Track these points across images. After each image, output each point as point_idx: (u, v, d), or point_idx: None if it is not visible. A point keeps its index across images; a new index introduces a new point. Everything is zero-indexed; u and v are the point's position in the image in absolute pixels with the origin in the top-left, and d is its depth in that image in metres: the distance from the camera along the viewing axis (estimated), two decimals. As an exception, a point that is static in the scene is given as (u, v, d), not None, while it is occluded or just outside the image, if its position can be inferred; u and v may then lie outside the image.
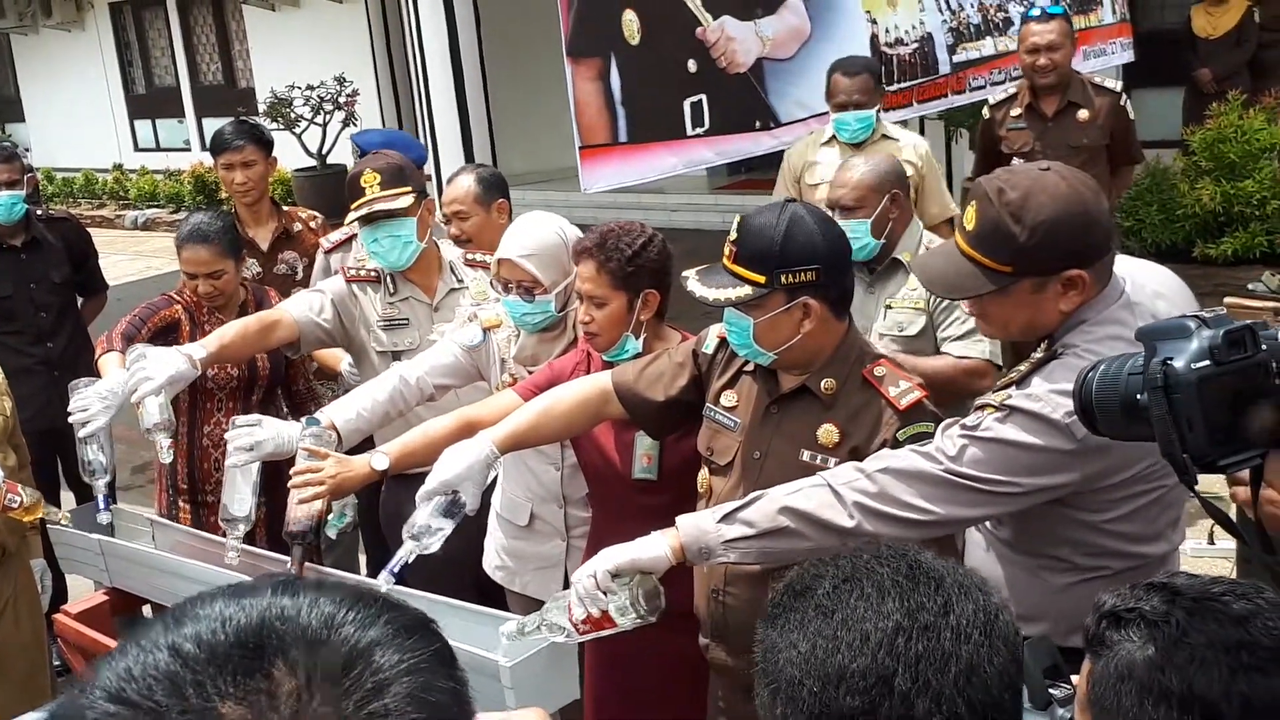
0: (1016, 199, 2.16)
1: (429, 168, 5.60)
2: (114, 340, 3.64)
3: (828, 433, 2.45)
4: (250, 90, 14.62)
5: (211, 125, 15.38)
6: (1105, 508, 2.23)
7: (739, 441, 2.56)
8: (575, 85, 5.13)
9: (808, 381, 2.49)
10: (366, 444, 3.29)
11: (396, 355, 3.60)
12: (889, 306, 3.56)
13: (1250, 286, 7.05)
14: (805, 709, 1.26)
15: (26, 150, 16.22)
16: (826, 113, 4.97)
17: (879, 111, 4.92)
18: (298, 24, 14.17)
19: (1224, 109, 8.28)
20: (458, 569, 3.41)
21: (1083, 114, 5.34)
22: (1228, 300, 4.72)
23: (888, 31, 6.36)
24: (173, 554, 3.24)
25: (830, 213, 3.54)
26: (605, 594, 2.25)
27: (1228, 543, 4.24)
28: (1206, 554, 4.49)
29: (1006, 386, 2.25)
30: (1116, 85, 5.57)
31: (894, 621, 1.23)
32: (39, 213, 5.04)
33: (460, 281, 3.75)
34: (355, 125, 11.33)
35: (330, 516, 3.04)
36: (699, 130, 5.55)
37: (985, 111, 5.70)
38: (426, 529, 2.60)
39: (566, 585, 2.52)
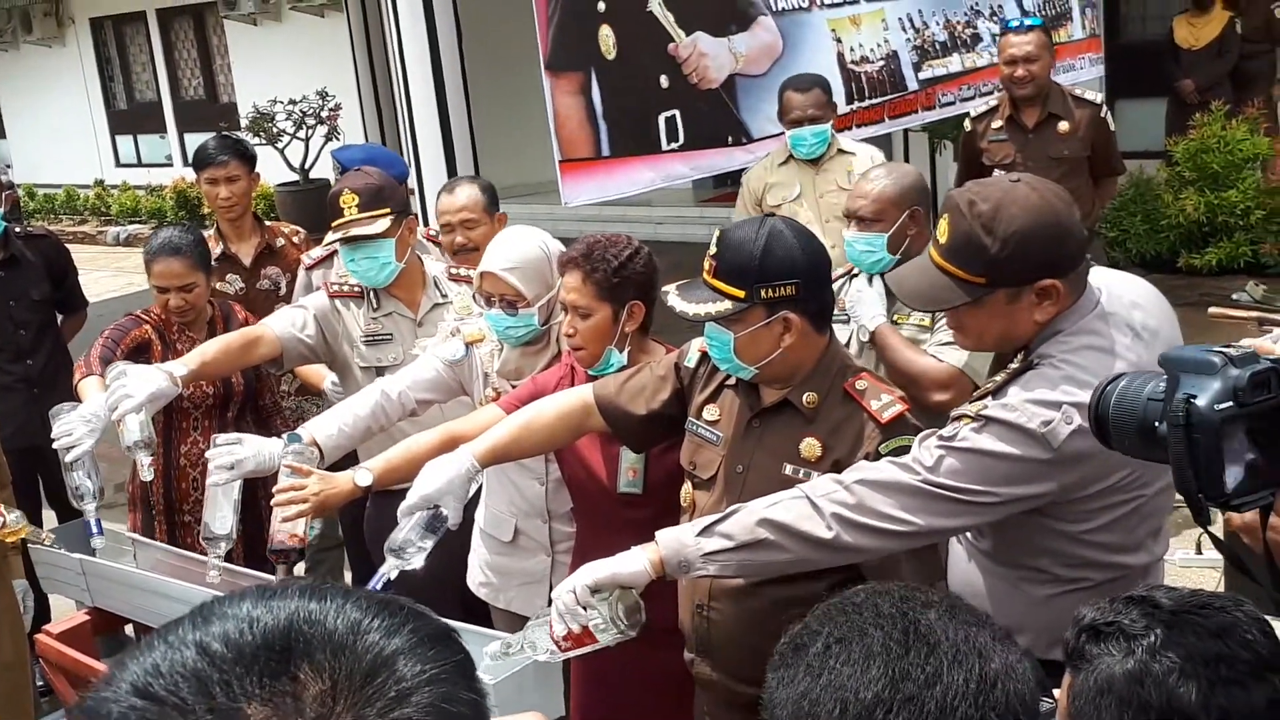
0: (988, 211, 2.17)
1: (411, 182, 5.58)
2: (92, 364, 3.63)
3: (810, 446, 2.44)
4: (232, 105, 14.60)
5: (193, 140, 15.35)
6: (1084, 518, 2.23)
7: (721, 456, 2.56)
8: (554, 99, 5.14)
9: (789, 395, 2.49)
10: (349, 459, 3.28)
11: (380, 370, 3.58)
12: (896, 322, 3.52)
13: (1234, 296, 7.07)
14: None
15: (7, 166, 16.21)
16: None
17: (833, 126, 4.95)
18: (279, 38, 14.15)
19: (1207, 119, 8.32)
20: (442, 586, 3.38)
21: (1063, 126, 5.35)
22: (1212, 310, 4.72)
23: (853, 50, 6.43)
24: (154, 573, 3.21)
25: (847, 223, 3.53)
26: (585, 609, 2.23)
27: (1215, 554, 4.24)
28: (1194, 564, 4.50)
29: (983, 397, 2.25)
30: (1097, 97, 5.59)
31: (874, 692, 1.19)
32: (18, 230, 5.01)
33: (444, 296, 3.73)
34: (338, 139, 11.31)
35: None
36: (673, 145, 5.58)
37: (967, 124, 5.71)
38: (408, 544, 2.58)
39: (551, 602, 2.51)
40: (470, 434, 2.78)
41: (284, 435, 3.04)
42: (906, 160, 9.36)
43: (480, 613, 3.34)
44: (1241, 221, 8.06)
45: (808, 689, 1.22)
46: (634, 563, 2.25)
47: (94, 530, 3.28)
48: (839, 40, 6.34)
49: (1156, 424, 1.55)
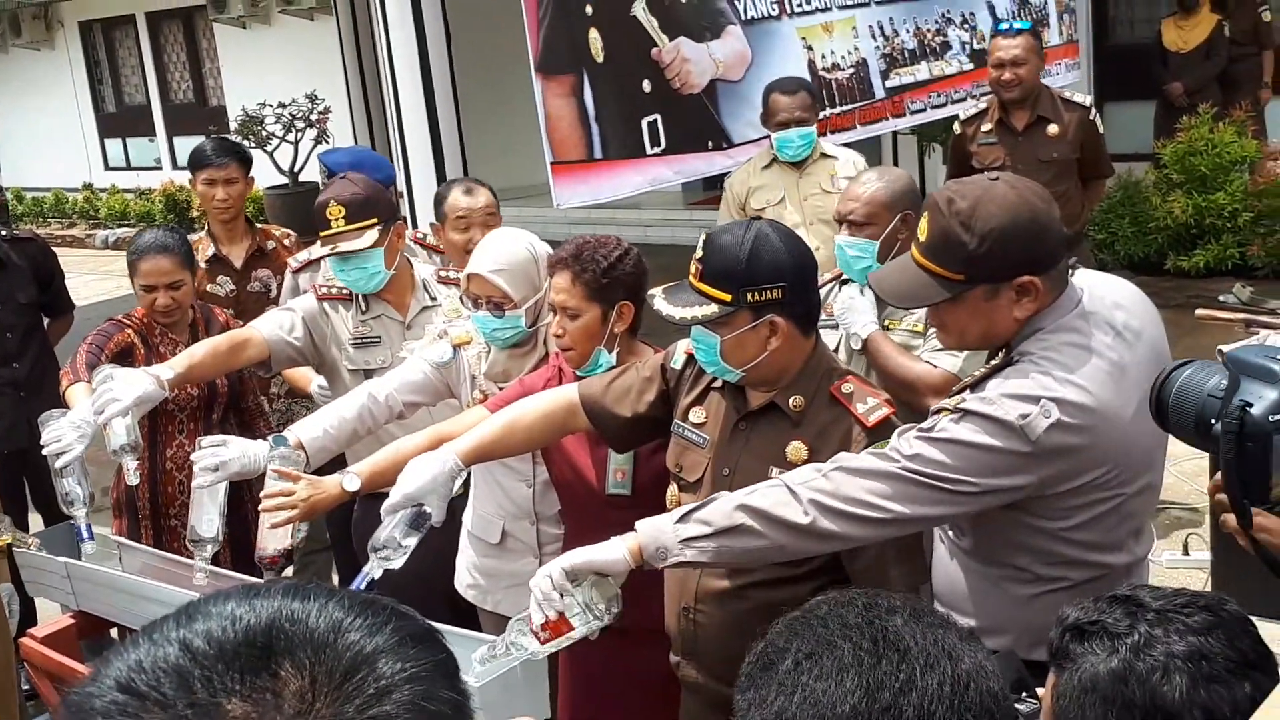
0: (966, 208, 2.20)
1: (400, 184, 5.58)
2: (78, 371, 3.62)
3: (796, 450, 2.44)
4: (221, 108, 14.59)
5: (182, 144, 15.37)
6: (1063, 515, 2.23)
7: (708, 458, 2.55)
8: (546, 101, 5.14)
9: (776, 399, 2.49)
10: (337, 462, 3.27)
11: (368, 373, 3.57)
12: (887, 328, 3.51)
13: (1221, 298, 7.09)
14: None
15: (-4, 170, 16.15)
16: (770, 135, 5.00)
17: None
18: (269, 41, 14.14)
19: (1195, 122, 8.34)
20: (430, 588, 3.38)
21: (1052, 128, 5.36)
22: (1199, 312, 4.73)
23: (824, 57, 6.47)
24: (140, 577, 3.20)
25: (838, 227, 3.51)
26: (562, 596, 2.22)
27: (1202, 554, 4.25)
28: (1182, 565, 4.51)
29: (961, 391, 2.27)
30: (1086, 100, 5.59)
31: (851, 704, 1.17)
32: (4, 233, 4.99)
33: (434, 299, 3.73)
34: (328, 142, 11.29)
35: None
36: (656, 150, 5.60)
37: (956, 127, 5.71)
38: (391, 543, 2.57)
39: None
40: (457, 436, 2.78)
41: (270, 437, 3.03)
42: (896, 163, 9.40)
43: (468, 615, 3.33)
44: (1229, 224, 8.09)
45: (783, 708, 1.20)
46: (611, 550, 2.25)
47: (84, 536, 3.27)
48: (810, 48, 6.39)
49: (1213, 421, 1.57)
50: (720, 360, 2.45)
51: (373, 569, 2.60)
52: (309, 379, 4.02)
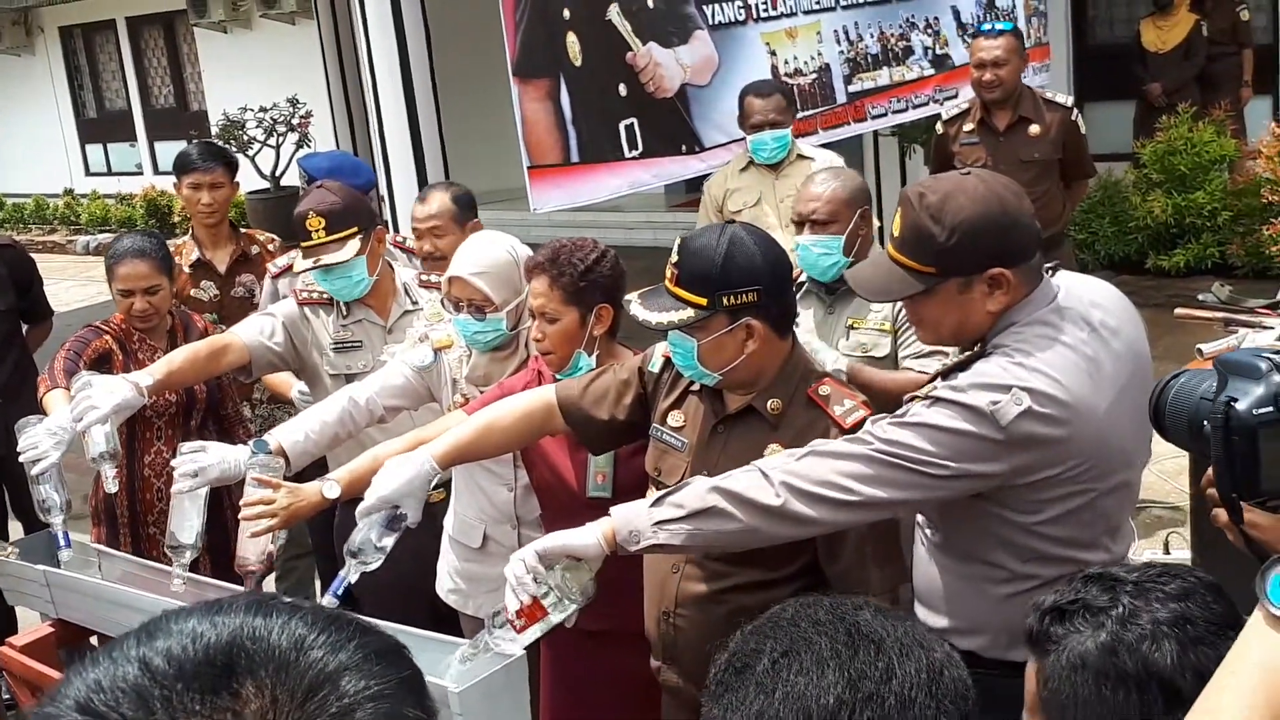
0: (936, 201, 2.23)
1: (382, 188, 5.57)
2: (56, 377, 3.59)
3: (774, 453, 2.43)
4: (203, 113, 14.54)
5: (164, 148, 15.32)
6: (1035, 508, 2.23)
7: (686, 462, 2.55)
8: (523, 105, 5.15)
9: (754, 402, 2.49)
10: (318, 467, 3.26)
11: (349, 378, 3.56)
12: (852, 327, 3.52)
13: (1201, 297, 7.11)
14: None
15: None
16: (744, 138, 5.01)
17: (804, 132, 4.97)
18: (250, 46, 14.09)
19: (1174, 122, 8.37)
20: (412, 593, 3.37)
21: (1034, 129, 5.38)
22: (1178, 311, 4.74)
23: (787, 63, 6.51)
24: (119, 584, 3.18)
25: (799, 229, 3.52)
26: (535, 581, 2.22)
27: (1183, 553, 4.26)
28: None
29: (933, 380, 2.29)
30: (1068, 100, 5.61)
31: (835, 695, 1.18)
32: (-19, 239, 4.97)
33: (415, 303, 3.72)
34: (309, 147, 11.27)
35: None
36: (634, 153, 5.63)
37: (939, 127, 5.73)
38: (367, 545, 2.57)
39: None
40: None
41: (250, 442, 3.01)
42: (877, 164, 9.42)
43: (450, 621, 3.32)
44: (1209, 223, 8.12)
45: (764, 707, 1.21)
46: (585, 535, 2.25)
47: (62, 544, 3.25)
48: (774, 53, 6.43)
49: (1204, 423, 1.58)
50: (697, 364, 2.45)
51: (350, 573, 2.59)
52: (290, 384, 4.01)
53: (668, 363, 2.61)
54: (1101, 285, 2.43)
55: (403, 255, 4.36)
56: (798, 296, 3.51)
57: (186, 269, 4.57)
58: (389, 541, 2.58)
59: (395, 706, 0.84)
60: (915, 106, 7.25)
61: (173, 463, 2.99)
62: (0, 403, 4.66)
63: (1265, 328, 4.15)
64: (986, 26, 5.69)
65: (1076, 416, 2.15)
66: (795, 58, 6.54)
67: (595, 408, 2.65)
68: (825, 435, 2.42)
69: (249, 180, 11.60)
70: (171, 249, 4.07)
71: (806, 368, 2.54)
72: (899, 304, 3.41)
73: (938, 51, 7.40)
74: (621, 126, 5.54)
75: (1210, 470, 1.75)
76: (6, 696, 3.74)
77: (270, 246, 4.76)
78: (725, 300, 2.39)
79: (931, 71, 7.35)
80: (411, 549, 3.25)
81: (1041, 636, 1.58)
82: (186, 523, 3.02)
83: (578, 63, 5.34)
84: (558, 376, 2.91)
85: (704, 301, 2.40)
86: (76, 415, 3.18)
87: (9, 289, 4.88)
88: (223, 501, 3.51)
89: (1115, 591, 1.56)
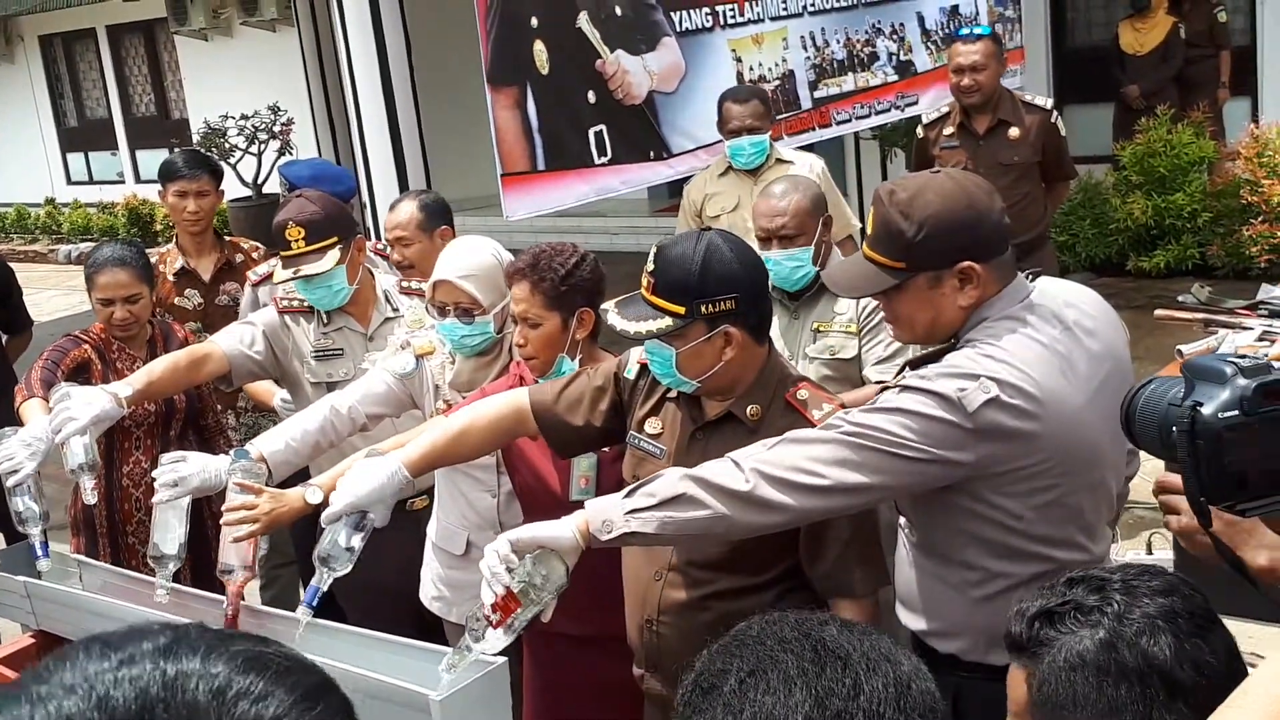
0: (905, 198, 2.27)
1: (363, 195, 5.56)
2: (33, 387, 3.57)
3: None
4: (184, 121, 14.49)
5: (145, 157, 15.27)
6: (1007, 502, 2.24)
7: (665, 469, 2.54)
8: (495, 113, 5.18)
9: (732, 408, 2.50)
10: (300, 476, 3.25)
11: (331, 386, 3.56)
12: (818, 330, 3.53)
13: (1181, 298, 7.11)
14: None
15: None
16: (715, 143, 5.03)
17: (771, 137, 4.99)
18: (231, 54, 14.05)
19: (1153, 124, 8.41)
20: (396, 601, 3.37)
21: (1014, 132, 5.40)
22: (1159, 313, 4.76)
23: (752, 69, 6.55)
24: (100, 595, 3.16)
25: (764, 245, 3.52)
26: (509, 572, 2.21)
27: (1165, 552, 4.28)
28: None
29: (902, 371, 2.32)
30: (1048, 103, 5.63)
31: (803, 715, 1.17)
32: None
33: (396, 310, 3.72)
34: (290, 154, 11.23)
35: None
36: (603, 160, 5.66)
37: (919, 130, 5.75)
38: (337, 549, 2.56)
39: None
40: None
41: (232, 452, 3.00)
42: (859, 168, 9.44)
43: (434, 629, 3.31)
44: (1189, 224, 8.16)
45: None
46: (559, 527, 2.24)
47: (39, 554, 3.24)
48: (739, 60, 6.47)
49: (1172, 428, 1.60)
50: (676, 372, 2.46)
51: (322, 581, 2.59)
52: (271, 393, 4.00)
53: (644, 369, 2.61)
54: (1081, 289, 2.44)
55: (384, 263, 4.36)
56: None
57: (171, 277, 4.56)
58: (357, 542, 2.57)
59: None
60: (878, 112, 7.36)
61: (153, 473, 2.98)
62: (-21, 413, 4.64)
63: (1245, 328, 4.18)
64: (965, 31, 5.70)
65: (1045, 411, 2.16)
66: (760, 64, 6.59)
67: (569, 413, 2.64)
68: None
69: (231, 188, 11.54)
70: (156, 257, 4.05)
71: (784, 372, 2.55)
72: (864, 306, 3.44)
73: (902, 58, 7.46)
74: (591, 133, 5.57)
75: (1162, 475, 1.78)
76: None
77: (255, 255, 4.75)
78: (703, 308, 2.40)
79: (895, 78, 7.41)
80: (396, 556, 3.25)
81: (1030, 641, 1.59)
82: (170, 534, 3.01)
83: (545, 70, 5.37)
84: (539, 381, 2.91)
85: (682, 310, 2.40)
86: (55, 427, 3.17)
87: (-14, 299, 4.86)
88: (203, 512, 3.49)
89: (1105, 591, 1.58)
